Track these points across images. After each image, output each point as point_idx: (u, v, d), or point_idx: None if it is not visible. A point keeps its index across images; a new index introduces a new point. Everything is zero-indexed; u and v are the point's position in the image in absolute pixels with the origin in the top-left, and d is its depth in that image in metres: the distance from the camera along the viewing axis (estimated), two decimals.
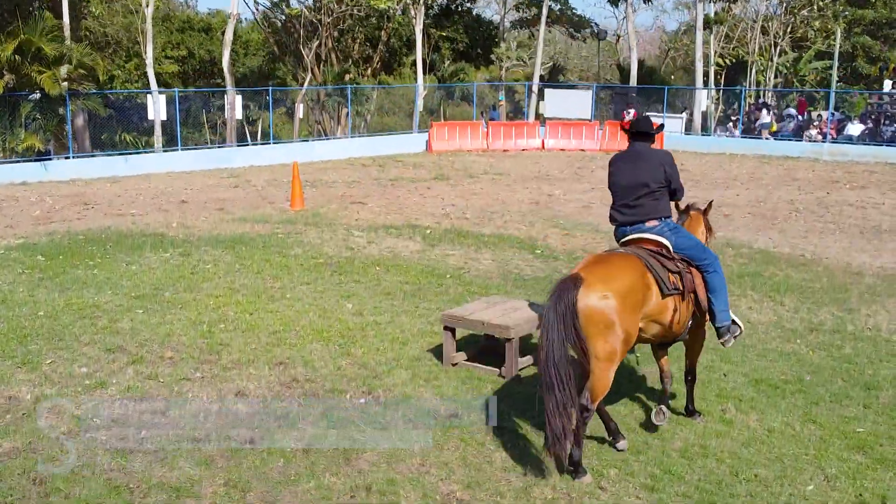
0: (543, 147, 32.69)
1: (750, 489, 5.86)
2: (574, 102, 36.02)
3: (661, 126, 7.44)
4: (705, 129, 34.42)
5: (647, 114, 34.85)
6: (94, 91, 24.41)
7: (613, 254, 6.57)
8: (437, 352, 8.45)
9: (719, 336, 6.84)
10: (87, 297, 10.49)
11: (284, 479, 6.01)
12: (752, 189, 21.39)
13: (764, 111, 34.35)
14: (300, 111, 32.82)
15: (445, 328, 8.14)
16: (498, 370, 7.95)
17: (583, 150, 32.30)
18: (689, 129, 34.24)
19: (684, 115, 34.92)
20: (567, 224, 15.99)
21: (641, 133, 7.00)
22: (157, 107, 26.29)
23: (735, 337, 6.88)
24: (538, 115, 36.70)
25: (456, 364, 8.17)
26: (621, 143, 31.65)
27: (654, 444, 6.57)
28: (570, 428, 5.87)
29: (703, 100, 35.21)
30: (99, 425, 6.86)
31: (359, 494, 5.82)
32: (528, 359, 8.14)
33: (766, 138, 32.38)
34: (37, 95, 22.77)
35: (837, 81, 42.46)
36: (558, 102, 36.39)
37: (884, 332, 9.36)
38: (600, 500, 5.75)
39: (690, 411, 7.09)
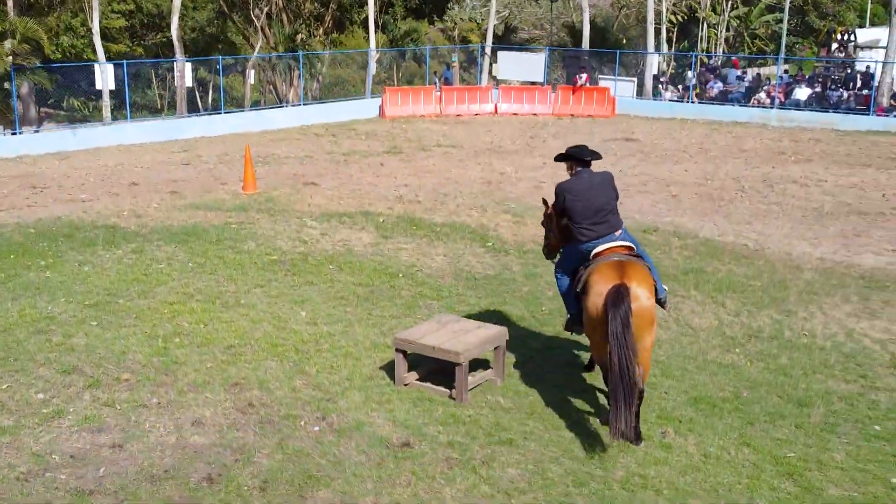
0: (496, 112, 32.79)
1: None
2: (527, 65, 36.08)
3: (598, 155, 8.42)
4: (656, 93, 34.70)
5: (599, 77, 35.11)
6: (40, 65, 23.94)
7: (628, 261, 7.50)
8: (390, 369, 8.67)
9: (663, 306, 8.01)
10: (40, 307, 10.53)
11: None
12: (700, 163, 21.77)
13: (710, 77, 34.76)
14: (251, 77, 32.48)
15: (397, 350, 8.36)
16: (448, 391, 8.20)
17: (535, 114, 32.47)
18: (640, 92, 34.50)
19: (636, 78, 35.17)
20: (518, 209, 16.21)
21: (584, 161, 8.14)
22: (104, 77, 25.92)
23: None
24: (491, 77, 36.71)
25: (408, 384, 8.41)
26: (574, 106, 32.01)
27: (597, 474, 6.88)
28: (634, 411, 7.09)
29: (655, 63, 35.45)
30: (58, 463, 7.00)
31: None
32: (479, 378, 8.41)
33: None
34: None
35: (788, 34, 43.00)
36: (511, 65, 36.44)
37: (818, 339, 9.76)
38: None
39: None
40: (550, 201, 8.59)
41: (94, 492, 6.61)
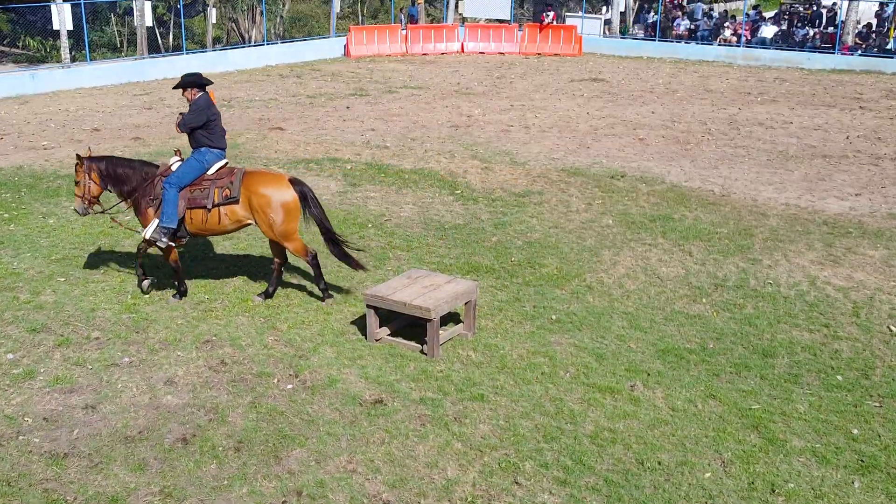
0: (463, 51, 32.49)
1: (654, 479, 6.35)
2: (494, 2, 35.64)
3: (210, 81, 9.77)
4: (623, 31, 34.50)
5: (567, 14, 34.80)
6: None
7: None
8: (361, 324, 8.72)
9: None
10: (5, 262, 10.43)
11: (218, 484, 6.29)
12: (666, 104, 21.79)
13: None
14: (213, 16, 31.82)
15: (368, 306, 8.39)
16: (420, 346, 8.27)
17: (502, 53, 32.24)
18: (607, 30, 34.29)
19: (601, 16, 34.92)
20: (486, 153, 16.18)
21: (203, 85, 9.46)
22: (61, 17, 25.26)
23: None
24: (458, 14, 36.27)
25: (379, 340, 8.46)
26: (541, 45, 31.78)
27: (567, 429, 7.01)
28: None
29: (622, 1, 35.18)
30: (31, 426, 7.01)
31: (290, 499, 6.14)
32: (450, 333, 8.48)
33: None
34: None
35: None
36: (478, 2, 35.97)
37: (783, 289, 9.92)
38: (516, 496, 6.18)
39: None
40: None
41: (69, 454, 6.63)
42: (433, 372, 7.89)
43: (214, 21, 33.22)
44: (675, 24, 33.93)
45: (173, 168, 9.28)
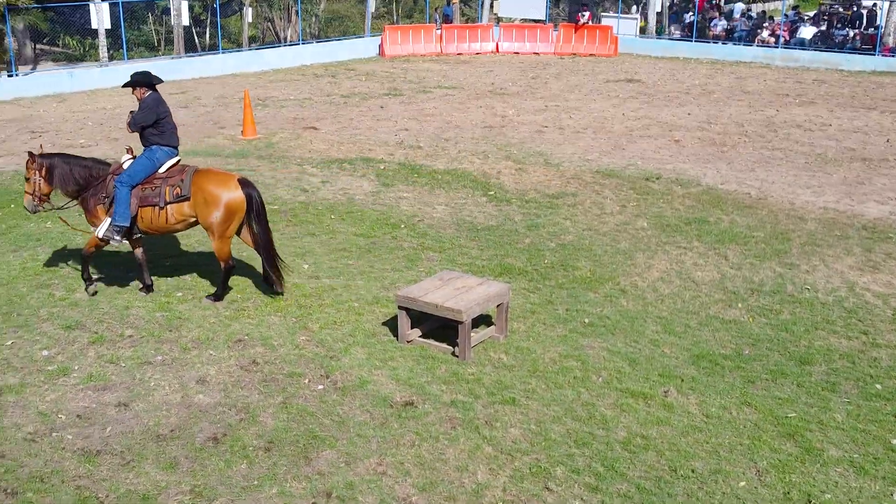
0: (497, 51, 32.41)
1: (687, 487, 6.27)
2: (529, 2, 35.50)
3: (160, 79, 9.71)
4: (659, 31, 34.24)
5: (602, 14, 34.60)
6: (35, 5, 23.56)
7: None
8: (392, 324, 8.70)
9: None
10: (41, 258, 10.53)
11: (248, 484, 6.29)
12: (703, 105, 21.57)
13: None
14: (249, 15, 32.01)
15: (400, 307, 8.36)
16: (452, 348, 8.23)
17: (537, 53, 32.11)
18: (643, 31, 34.05)
19: (638, 16, 34.68)
20: (520, 154, 16.10)
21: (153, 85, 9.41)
22: (100, 16, 25.52)
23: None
24: (493, 14, 36.20)
25: (411, 341, 8.43)
26: (576, 45, 31.62)
27: (599, 434, 6.94)
28: None
29: (658, 0, 34.91)
30: (64, 423, 7.05)
31: (319, 500, 6.13)
32: (481, 335, 8.44)
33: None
34: None
35: None
36: (513, 2, 35.86)
37: (820, 294, 9.77)
38: (547, 502, 6.12)
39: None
40: None
41: (101, 452, 6.67)
42: (464, 375, 7.85)
43: (250, 20, 33.43)
44: (711, 24, 33.59)
45: (125, 167, 9.33)
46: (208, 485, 6.28)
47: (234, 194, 9.08)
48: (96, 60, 27.45)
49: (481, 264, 10.54)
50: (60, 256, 10.60)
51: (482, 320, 8.79)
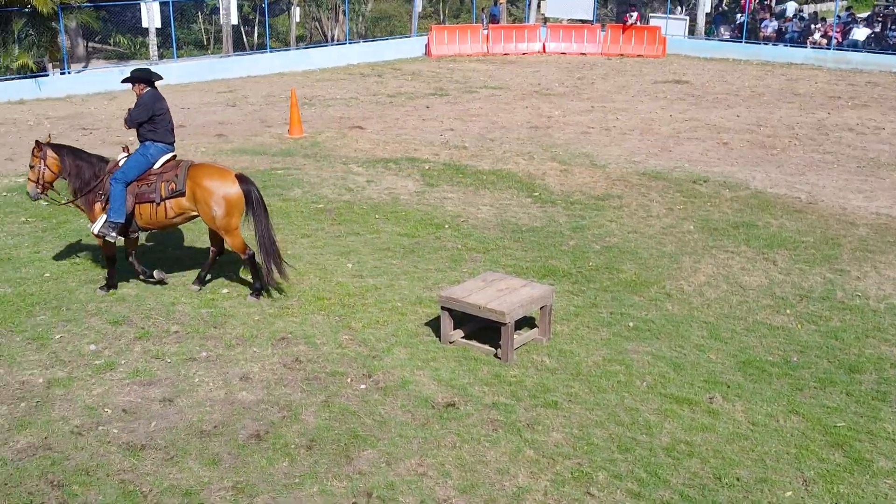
0: (544, 51, 32.29)
1: (731, 496, 6.17)
2: (576, 2, 35.29)
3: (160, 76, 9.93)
4: (708, 32, 33.86)
5: (650, 15, 34.28)
6: (87, 4, 23.94)
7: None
8: (435, 325, 8.68)
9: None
10: (91, 255, 10.67)
11: (289, 482, 6.31)
12: (752, 108, 21.28)
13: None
14: (297, 15, 32.23)
15: (443, 308, 8.35)
16: (494, 350, 8.20)
17: (584, 53, 31.93)
18: (692, 31, 33.69)
19: (686, 17, 34.33)
20: (565, 156, 16.01)
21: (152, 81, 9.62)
22: (150, 15, 25.87)
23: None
24: (539, 14, 36.07)
25: (453, 342, 8.41)
26: (623, 46, 31.38)
27: (642, 440, 6.86)
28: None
29: (707, 1, 34.53)
30: (110, 416, 7.14)
31: (360, 500, 6.13)
32: (524, 337, 8.39)
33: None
34: (26, 9, 22.43)
35: None
36: (560, 2, 35.67)
37: (871, 301, 9.57)
38: None
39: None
40: None
41: (146, 446, 6.73)
42: (506, 377, 7.81)
43: (298, 20, 33.66)
44: (762, 25, 33.14)
45: (120, 163, 9.43)
46: (250, 481, 6.31)
47: (230, 189, 9.19)
48: (146, 59, 27.83)
49: (525, 266, 10.49)
50: None
51: (525, 322, 8.74)
